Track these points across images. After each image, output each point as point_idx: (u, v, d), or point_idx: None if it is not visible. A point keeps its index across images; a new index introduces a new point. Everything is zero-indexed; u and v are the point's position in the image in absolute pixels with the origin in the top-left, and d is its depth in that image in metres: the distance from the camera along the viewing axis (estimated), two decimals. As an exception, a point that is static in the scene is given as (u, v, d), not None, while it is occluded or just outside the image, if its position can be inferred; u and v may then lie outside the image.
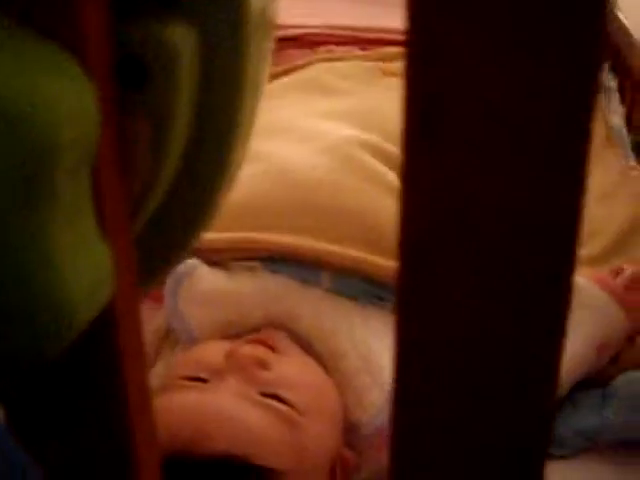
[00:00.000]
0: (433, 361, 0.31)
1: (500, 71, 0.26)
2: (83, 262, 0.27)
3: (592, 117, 0.27)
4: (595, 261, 1.02)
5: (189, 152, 0.33)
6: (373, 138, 1.02)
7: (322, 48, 1.62)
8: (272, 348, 0.80)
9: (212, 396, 0.72)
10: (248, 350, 0.77)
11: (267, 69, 0.37)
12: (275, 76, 1.38)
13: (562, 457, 0.85)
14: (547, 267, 0.29)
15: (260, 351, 0.78)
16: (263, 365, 0.76)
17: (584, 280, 0.90)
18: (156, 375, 0.84)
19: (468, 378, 0.31)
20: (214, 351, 0.79)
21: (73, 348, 0.28)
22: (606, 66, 1.47)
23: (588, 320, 0.88)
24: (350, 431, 0.81)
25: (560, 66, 0.25)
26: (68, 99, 0.25)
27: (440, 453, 0.32)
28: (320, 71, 1.34)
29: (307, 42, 1.63)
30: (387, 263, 0.83)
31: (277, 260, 0.85)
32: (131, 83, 0.29)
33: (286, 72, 1.40)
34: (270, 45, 0.37)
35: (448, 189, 0.28)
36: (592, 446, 0.86)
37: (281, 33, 1.61)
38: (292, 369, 0.78)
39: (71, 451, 0.33)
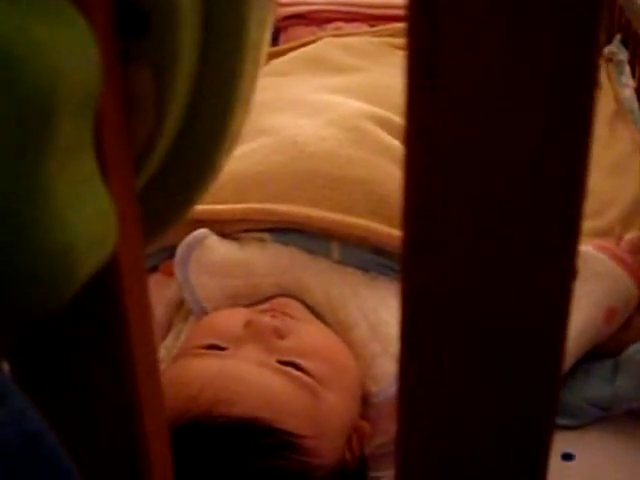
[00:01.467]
0: (438, 322, 0.30)
1: (501, 35, 0.25)
2: (84, 210, 0.26)
3: (596, 72, 0.26)
4: (605, 233, 1.02)
5: (190, 109, 0.33)
6: (381, 111, 1.01)
7: (330, 25, 1.61)
8: (290, 317, 0.80)
9: (232, 361, 0.73)
10: (268, 319, 0.78)
11: (268, 34, 0.37)
12: (283, 53, 1.37)
13: (574, 427, 0.85)
14: (552, 224, 0.29)
15: (279, 320, 0.78)
16: (281, 334, 0.77)
17: (588, 248, 0.90)
18: (166, 347, 0.84)
19: (472, 341, 0.31)
20: (231, 319, 0.79)
21: (76, 302, 0.28)
22: (617, 38, 1.46)
23: (593, 285, 0.87)
24: (362, 401, 0.81)
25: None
26: (67, 46, 0.25)
27: (445, 417, 0.32)
28: (328, 47, 1.34)
29: (315, 19, 1.63)
30: (396, 233, 0.82)
31: (287, 231, 0.85)
32: (132, 31, 0.29)
33: (294, 49, 1.39)
34: (272, 8, 0.36)
35: (449, 141, 0.27)
36: (604, 416, 0.86)
37: (288, 10, 1.61)
38: (311, 338, 0.79)
39: (75, 406, 0.33)
